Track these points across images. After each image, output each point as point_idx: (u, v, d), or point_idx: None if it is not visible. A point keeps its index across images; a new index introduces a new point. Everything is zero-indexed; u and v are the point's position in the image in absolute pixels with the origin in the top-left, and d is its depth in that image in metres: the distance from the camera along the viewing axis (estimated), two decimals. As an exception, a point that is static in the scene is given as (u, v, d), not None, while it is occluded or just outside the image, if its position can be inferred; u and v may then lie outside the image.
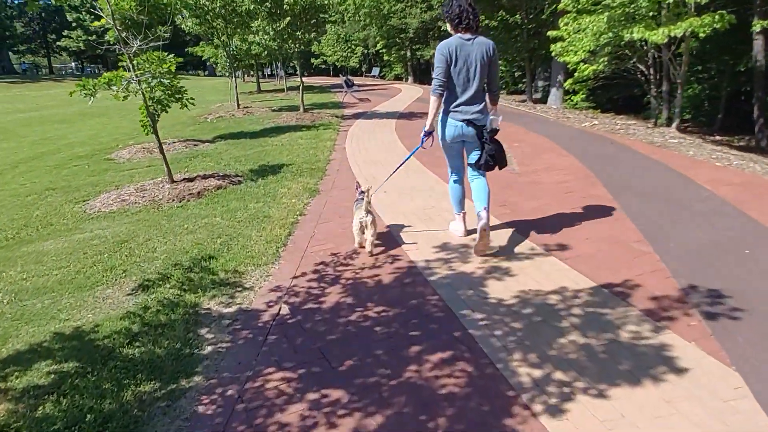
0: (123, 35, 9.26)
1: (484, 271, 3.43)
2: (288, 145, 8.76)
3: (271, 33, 10.75)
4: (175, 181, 6.12)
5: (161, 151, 6.09)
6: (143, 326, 2.84)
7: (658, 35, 7.26)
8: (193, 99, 6.45)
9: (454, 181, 4.00)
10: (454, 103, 3.49)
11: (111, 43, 6.89)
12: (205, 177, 6.28)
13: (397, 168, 4.28)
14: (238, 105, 14.81)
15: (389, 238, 4.16)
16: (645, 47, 11.07)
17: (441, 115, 3.62)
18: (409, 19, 27.21)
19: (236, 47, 17.76)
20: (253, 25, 10.93)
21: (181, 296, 3.19)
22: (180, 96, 5.96)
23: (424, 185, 5.79)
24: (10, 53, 40.90)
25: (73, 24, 39.90)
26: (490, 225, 3.68)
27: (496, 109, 3.71)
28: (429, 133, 3.68)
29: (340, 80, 19.28)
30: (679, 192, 5.18)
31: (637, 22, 8.28)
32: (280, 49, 17.68)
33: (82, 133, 12.44)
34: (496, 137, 3.59)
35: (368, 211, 3.71)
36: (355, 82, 19.28)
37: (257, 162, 7.46)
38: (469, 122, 3.49)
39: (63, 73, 40.30)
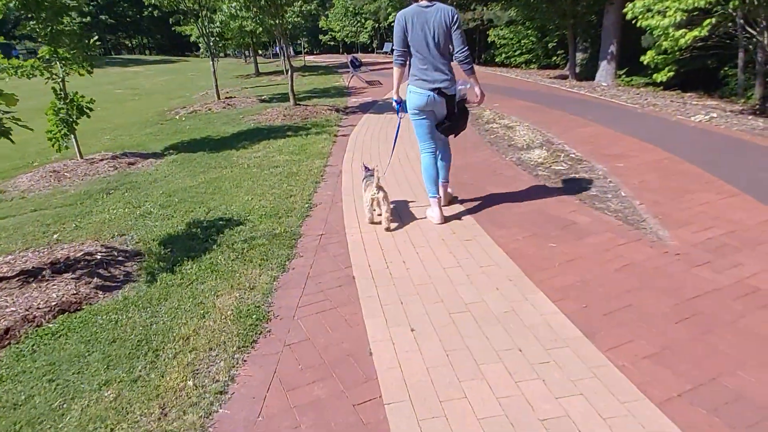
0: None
1: None
2: (257, 167, 5.56)
3: (242, 0, 7.42)
4: (4, 279, 3.01)
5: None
6: None
7: None
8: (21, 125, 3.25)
9: (428, 156, 3.58)
10: (420, 72, 3.29)
11: None
12: (65, 267, 3.16)
13: (392, 152, 4.10)
14: (218, 95, 11.60)
15: None
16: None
17: (408, 84, 3.38)
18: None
19: (222, 23, 14.35)
20: (216, -13, 7.61)
21: None
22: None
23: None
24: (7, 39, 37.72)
25: (66, 5, 36.43)
26: None
27: (476, 80, 3.37)
28: (399, 102, 3.46)
29: (345, 59, 15.81)
30: None
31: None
32: (275, 24, 14.55)
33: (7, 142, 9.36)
34: (465, 105, 3.47)
35: (380, 187, 3.47)
36: (363, 61, 15.80)
37: (192, 210, 4.30)
38: (439, 91, 3.28)
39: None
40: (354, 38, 37.08)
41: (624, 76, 13.88)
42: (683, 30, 7.81)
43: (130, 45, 47.68)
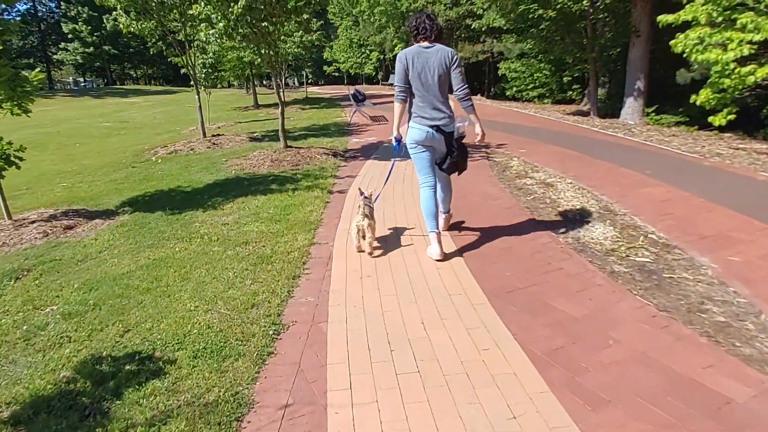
0: None
1: None
2: (220, 243, 4.11)
3: (221, 25, 6.14)
4: None
5: None
6: None
7: None
8: None
9: (427, 190, 3.54)
10: (420, 109, 3.35)
11: None
12: None
13: (385, 183, 4.24)
14: (204, 133, 10.31)
15: None
16: None
17: (409, 121, 3.44)
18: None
19: (215, 54, 13.26)
20: (192, 11, 6.34)
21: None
22: None
23: None
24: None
25: (70, 35, 35.93)
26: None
27: (477, 116, 3.41)
28: (399, 140, 3.45)
29: (347, 91, 14.60)
30: None
31: None
32: (277, 55, 13.63)
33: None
34: (462, 142, 3.52)
35: (365, 215, 3.53)
36: (366, 94, 14.58)
37: (102, 328, 2.84)
38: (438, 128, 3.34)
39: (55, 88, 36.05)
40: (359, 69, 36.32)
41: (653, 114, 12.58)
42: (752, 66, 6.48)
43: (134, 75, 47.26)
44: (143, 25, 8.93)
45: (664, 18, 7.80)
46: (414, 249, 3.77)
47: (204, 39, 6.64)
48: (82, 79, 39.61)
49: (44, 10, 40.67)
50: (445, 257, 3.52)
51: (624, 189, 5.03)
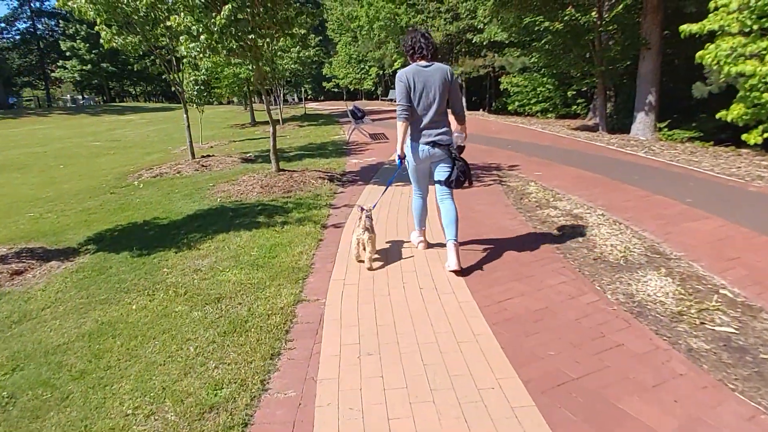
0: None
1: None
2: (187, 301, 3.31)
3: (203, 38, 5.41)
4: None
5: None
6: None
7: None
8: None
9: (418, 198, 3.76)
10: (419, 128, 3.38)
11: None
12: None
13: (383, 193, 4.47)
14: (193, 154, 9.57)
15: None
16: None
17: (408, 140, 3.46)
18: (431, 32, 21.78)
19: (207, 70, 12.59)
20: (170, 22, 5.61)
21: None
22: None
23: None
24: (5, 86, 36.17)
25: (68, 53, 35.48)
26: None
27: (464, 128, 3.60)
28: (402, 158, 3.49)
29: (346, 107, 13.91)
30: None
31: None
32: (273, 71, 13.12)
33: None
34: (461, 155, 3.50)
35: (365, 229, 3.51)
36: (365, 110, 13.87)
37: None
38: (435, 144, 3.39)
39: (53, 106, 35.40)
40: (358, 85, 35.78)
41: (665, 129, 11.86)
42: (796, 78, 5.75)
43: (133, 92, 46.81)
44: (127, 40, 8.24)
45: (687, 28, 7.11)
46: (425, 311, 2.97)
47: (185, 53, 5.90)
48: (80, 97, 39.06)
49: (43, 28, 40.39)
50: (429, 246, 3.91)
51: (667, 223, 4.25)
